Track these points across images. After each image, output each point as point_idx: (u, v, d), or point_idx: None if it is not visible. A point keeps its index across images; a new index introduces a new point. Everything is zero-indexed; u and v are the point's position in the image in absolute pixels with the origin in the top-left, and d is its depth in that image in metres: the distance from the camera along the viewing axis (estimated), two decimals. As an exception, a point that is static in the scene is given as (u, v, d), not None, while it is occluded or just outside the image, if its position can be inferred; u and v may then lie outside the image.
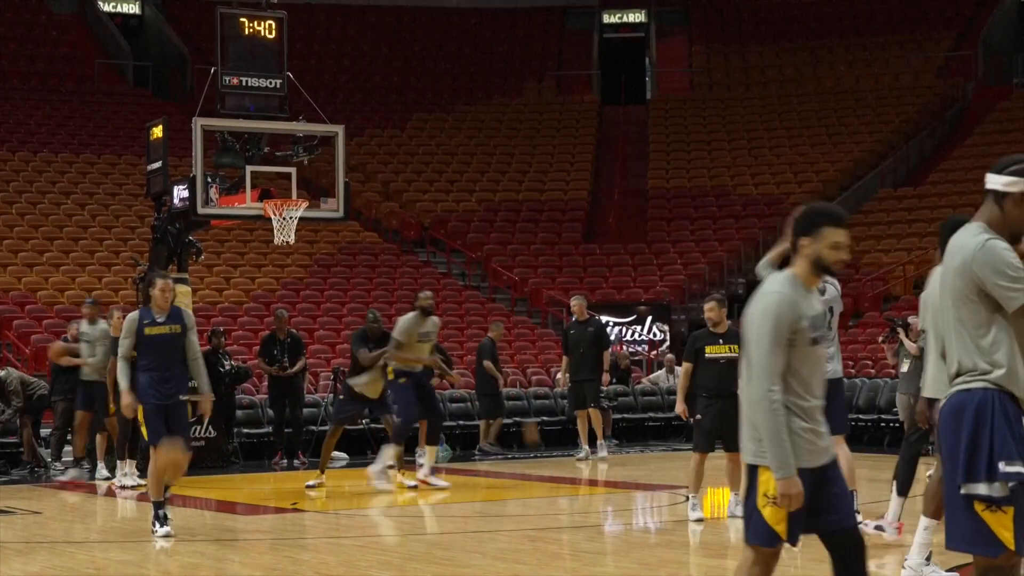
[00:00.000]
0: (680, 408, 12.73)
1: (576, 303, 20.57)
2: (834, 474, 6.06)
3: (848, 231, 6.17)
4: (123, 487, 16.58)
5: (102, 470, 17.79)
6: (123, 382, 12.05)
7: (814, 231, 6.07)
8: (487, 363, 21.47)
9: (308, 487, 16.14)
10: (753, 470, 6.05)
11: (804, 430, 5.97)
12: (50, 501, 15.87)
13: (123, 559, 11.11)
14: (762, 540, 6.02)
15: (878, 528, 10.87)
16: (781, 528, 5.97)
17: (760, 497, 5.99)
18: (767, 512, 5.96)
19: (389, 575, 10.08)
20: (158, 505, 11.94)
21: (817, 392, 6.06)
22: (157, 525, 11.90)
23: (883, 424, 22.01)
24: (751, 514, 6.04)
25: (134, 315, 12.21)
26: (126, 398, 12.04)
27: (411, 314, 15.98)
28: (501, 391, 22.04)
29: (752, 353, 6.01)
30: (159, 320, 12.00)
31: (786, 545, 6.05)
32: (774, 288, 6.06)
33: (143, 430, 11.97)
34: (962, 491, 5.63)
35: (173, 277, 19.49)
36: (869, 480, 14.25)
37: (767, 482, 5.97)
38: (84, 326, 18.24)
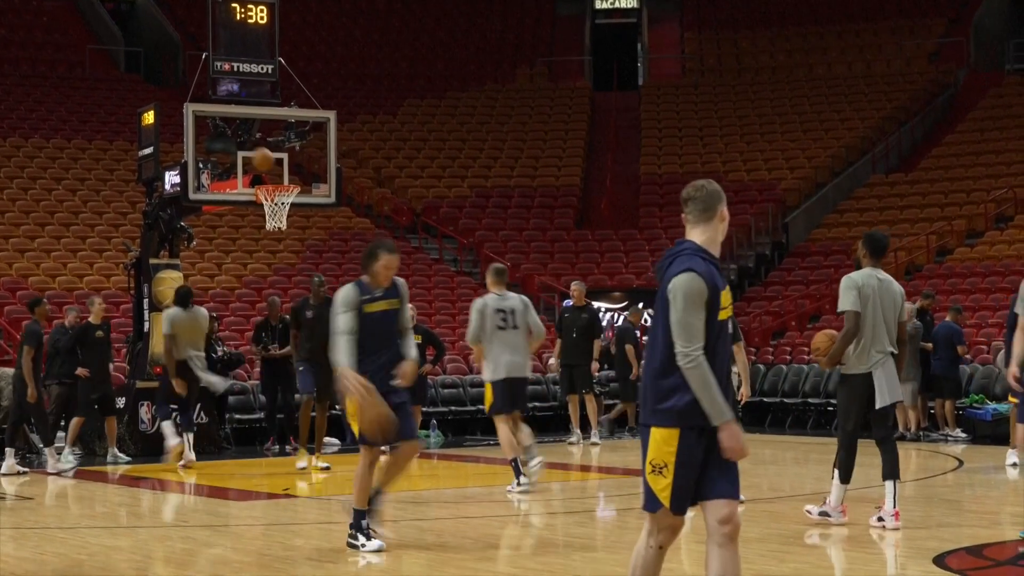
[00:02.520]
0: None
1: (576, 288, 20.67)
2: None
3: None
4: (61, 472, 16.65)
5: (69, 457, 17.87)
6: (342, 361, 9.90)
7: None
8: (628, 347, 21.77)
9: (324, 468, 16.24)
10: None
11: None
12: (41, 487, 15.87)
13: (115, 545, 11.11)
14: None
15: (823, 514, 11.05)
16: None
17: None
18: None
19: (381, 561, 10.08)
20: (361, 515, 10.24)
21: None
22: (362, 539, 10.19)
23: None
24: None
25: (352, 288, 10.19)
26: (348, 379, 9.93)
27: (174, 309, 17.47)
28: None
29: None
30: (377, 295, 10.20)
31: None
32: None
33: (354, 424, 10.05)
34: None
35: (164, 263, 19.70)
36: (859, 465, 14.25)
37: None
38: None
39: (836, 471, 10.97)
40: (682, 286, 6.08)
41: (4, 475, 16.35)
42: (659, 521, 6.29)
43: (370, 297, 10.11)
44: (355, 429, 10.04)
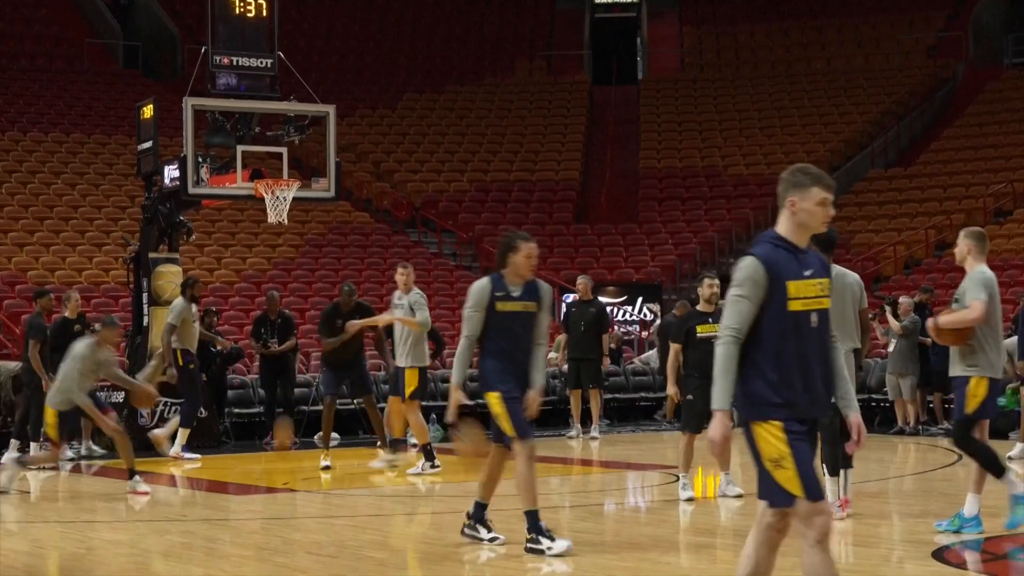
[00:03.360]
0: (673, 390, 12.72)
1: (581, 282, 20.79)
2: None
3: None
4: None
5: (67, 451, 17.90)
6: (457, 372, 9.70)
7: None
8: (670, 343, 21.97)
9: (325, 468, 16.09)
10: None
11: None
12: (40, 481, 15.87)
13: (114, 539, 11.12)
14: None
15: None
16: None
17: None
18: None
19: (381, 555, 10.09)
20: (535, 515, 9.57)
21: None
22: (546, 541, 9.49)
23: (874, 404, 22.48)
24: None
25: (484, 283, 9.68)
26: (454, 398, 9.65)
27: (180, 299, 18.04)
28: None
29: None
30: (514, 293, 9.65)
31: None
32: None
33: (503, 424, 9.65)
34: None
35: (163, 257, 19.70)
36: (859, 459, 14.29)
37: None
38: None
39: (824, 466, 11.06)
40: (737, 268, 6.13)
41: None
42: (801, 513, 6.07)
43: (505, 294, 9.59)
44: (506, 428, 9.61)
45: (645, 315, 28.98)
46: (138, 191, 26.44)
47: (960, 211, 30.74)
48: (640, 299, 28.91)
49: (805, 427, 6.08)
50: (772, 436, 6.03)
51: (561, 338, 22.18)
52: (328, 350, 16.31)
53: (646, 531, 11.40)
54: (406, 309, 15.18)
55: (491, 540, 9.89)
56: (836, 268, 11.19)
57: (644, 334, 28.50)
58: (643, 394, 24.06)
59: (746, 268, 6.09)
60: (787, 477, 6.01)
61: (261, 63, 19.39)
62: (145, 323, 19.72)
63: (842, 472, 11.05)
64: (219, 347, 20.15)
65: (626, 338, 27.53)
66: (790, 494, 6.03)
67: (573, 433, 20.45)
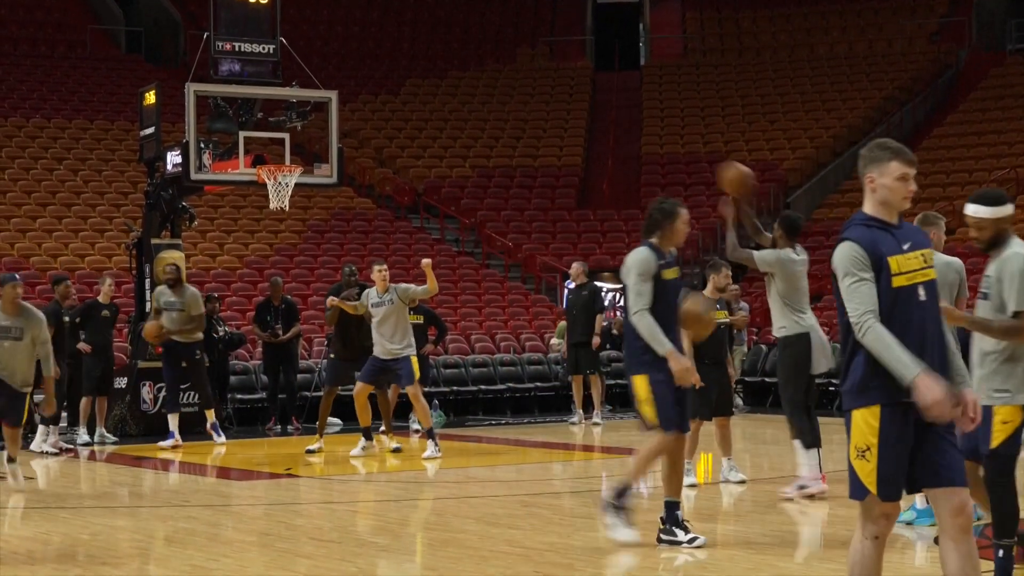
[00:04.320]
0: (696, 378, 12.46)
1: (574, 267, 20.77)
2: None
3: None
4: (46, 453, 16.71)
5: (84, 435, 17.94)
6: (663, 342, 9.00)
7: None
8: None
9: (308, 452, 16.23)
10: None
11: None
12: (43, 466, 15.88)
13: (117, 524, 11.13)
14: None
15: (802, 487, 11.49)
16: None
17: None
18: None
19: (383, 540, 10.10)
20: (676, 506, 9.38)
21: None
22: (680, 533, 9.28)
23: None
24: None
25: (646, 252, 9.08)
26: (679, 363, 9.09)
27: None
28: None
29: None
30: (670, 259, 9.16)
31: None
32: None
33: (646, 410, 9.46)
34: None
35: (166, 243, 19.71)
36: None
37: None
38: None
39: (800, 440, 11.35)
40: (837, 258, 5.89)
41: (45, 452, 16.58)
42: (869, 509, 5.90)
43: (665, 262, 9.10)
44: (649, 416, 9.37)
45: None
46: (140, 177, 26.43)
47: (963, 197, 30.62)
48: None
49: (912, 412, 5.78)
50: (866, 424, 5.82)
51: (562, 325, 22.18)
52: (330, 323, 16.69)
53: (648, 517, 11.39)
54: (389, 305, 15.47)
55: (690, 542, 9.28)
56: (802, 252, 11.69)
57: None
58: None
59: (847, 253, 5.87)
60: (867, 471, 5.82)
61: (263, 49, 19.37)
62: (148, 309, 19.72)
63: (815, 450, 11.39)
64: (220, 333, 20.16)
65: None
66: (865, 488, 5.85)
67: (575, 419, 20.45)
